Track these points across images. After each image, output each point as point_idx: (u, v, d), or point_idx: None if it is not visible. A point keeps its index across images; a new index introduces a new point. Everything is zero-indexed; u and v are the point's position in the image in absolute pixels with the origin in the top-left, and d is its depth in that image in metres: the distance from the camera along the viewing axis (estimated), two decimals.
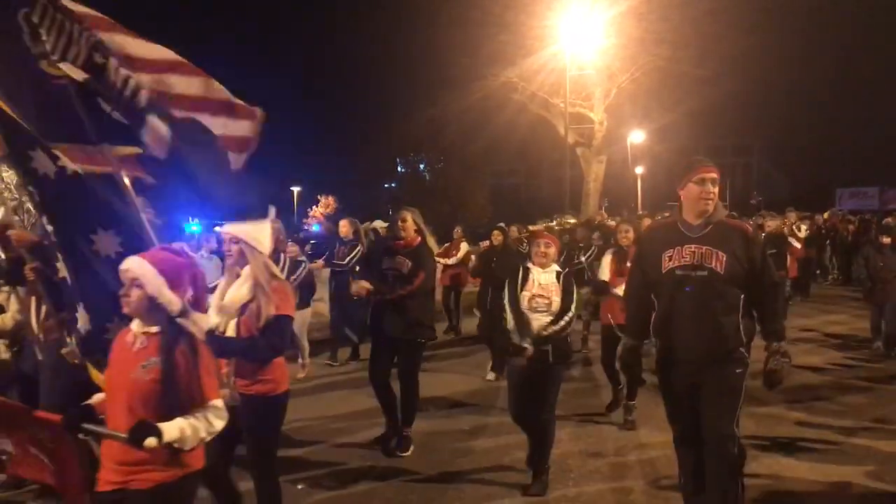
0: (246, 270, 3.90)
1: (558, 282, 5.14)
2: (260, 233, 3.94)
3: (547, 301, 5.09)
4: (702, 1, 21.35)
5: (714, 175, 3.86)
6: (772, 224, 11.30)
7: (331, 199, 67.37)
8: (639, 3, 21.87)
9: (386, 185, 59.92)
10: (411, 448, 5.99)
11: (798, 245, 11.92)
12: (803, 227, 13.14)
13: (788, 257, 11.21)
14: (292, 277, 7.44)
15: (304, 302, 8.36)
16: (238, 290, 3.86)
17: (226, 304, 3.85)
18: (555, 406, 5.24)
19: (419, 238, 6.10)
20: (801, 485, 5.21)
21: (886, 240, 9.65)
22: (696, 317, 3.80)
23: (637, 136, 36.01)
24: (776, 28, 23.20)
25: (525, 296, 5.12)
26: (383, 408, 6.16)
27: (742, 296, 3.82)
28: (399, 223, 6.10)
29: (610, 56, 24.05)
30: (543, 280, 5.14)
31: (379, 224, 13.01)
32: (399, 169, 59.88)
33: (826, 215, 16.76)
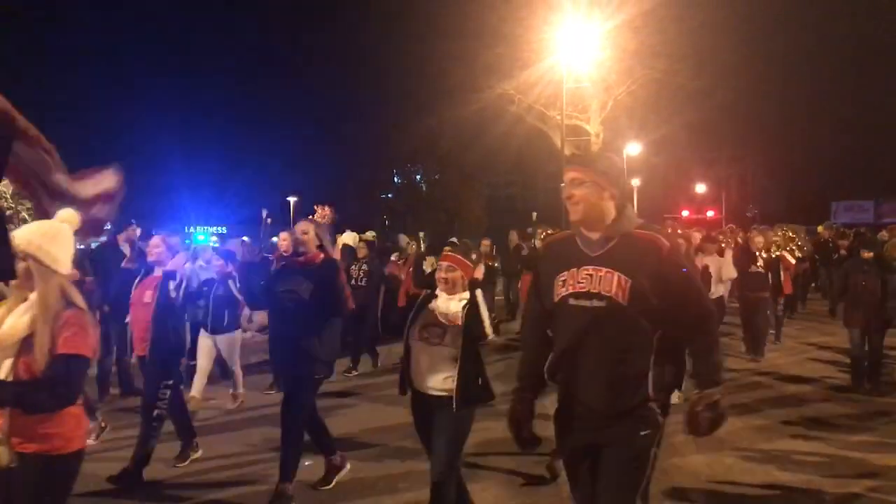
0: (33, 295, 2.98)
1: (463, 313, 4.15)
2: (57, 245, 3.02)
3: (441, 331, 4.15)
4: (697, 14, 21.49)
5: (574, 175, 3.01)
6: (760, 240, 10.47)
7: (327, 210, 67.30)
8: (634, 16, 21.99)
9: (382, 196, 60.02)
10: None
11: (792, 259, 11.53)
12: (795, 250, 12.37)
13: (783, 273, 10.92)
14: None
15: (231, 324, 7.84)
16: (18, 320, 2.95)
17: (1, 336, 2.93)
18: (455, 461, 4.17)
19: (322, 254, 5.33)
20: (796, 497, 5.20)
21: (868, 254, 8.57)
22: (594, 360, 2.91)
23: (633, 149, 36.00)
24: (771, 41, 23.35)
25: (417, 325, 4.26)
26: (312, 441, 5.50)
27: (656, 333, 2.92)
28: (300, 236, 5.29)
29: (606, 69, 24.16)
30: (445, 308, 4.22)
31: (350, 238, 11.20)
32: (396, 180, 60.00)
33: (820, 228, 16.53)
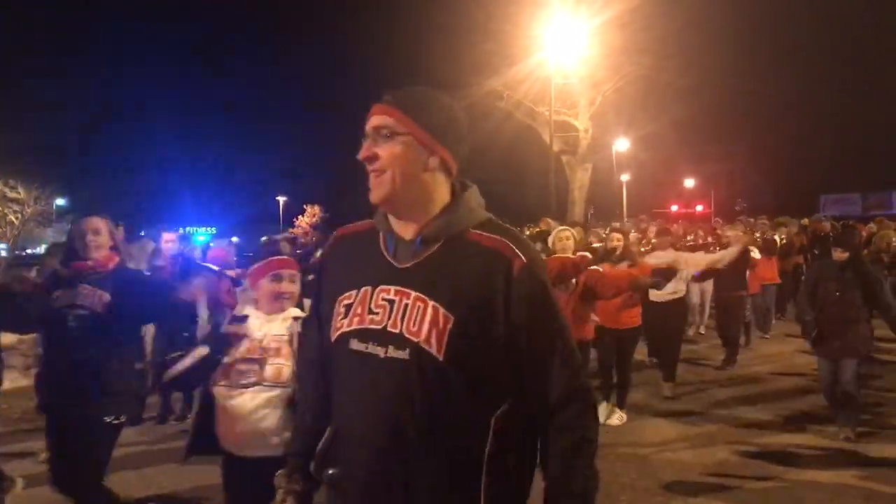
0: None
1: (291, 338, 3.06)
2: None
3: (256, 367, 3.01)
4: (684, 12, 21.54)
5: (381, 119, 1.79)
6: (730, 234, 9.65)
7: (317, 209, 67.29)
8: (622, 13, 22.02)
9: None
10: None
11: (759, 257, 10.09)
12: (777, 238, 11.71)
13: (748, 272, 9.74)
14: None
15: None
16: None
17: None
18: None
19: (117, 257, 4.14)
20: (790, 490, 5.21)
21: (842, 254, 6.33)
22: (386, 452, 1.76)
23: (622, 144, 36.15)
24: (758, 37, 23.44)
25: (226, 361, 3.07)
26: None
27: (500, 408, 1.75)
28: (89, 235, 4.03)
29: (594, 65, 24.20)
30: (267, 330, 3.10)
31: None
32: None
33: (806, 221, 16.17)
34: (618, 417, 6.86)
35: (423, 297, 1.74)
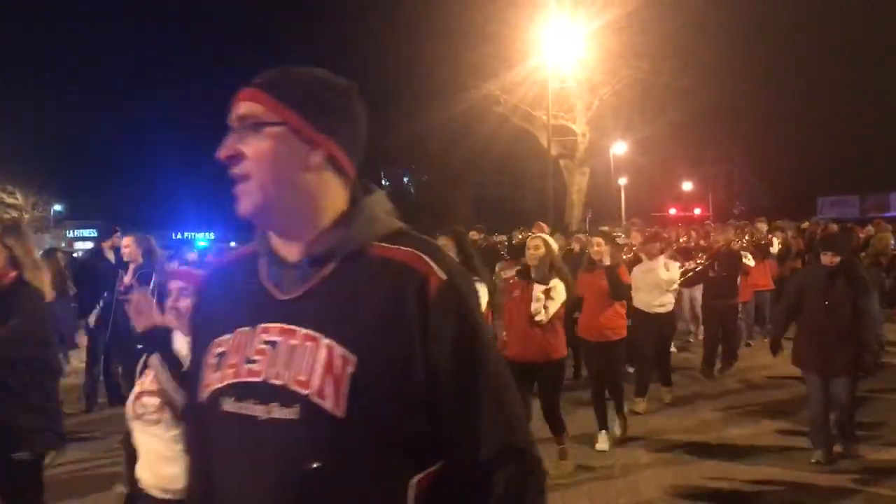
0: None
1: None
2: None
3: (155, 402, 2.62)
4: (680, 15, 21.60)
5: (247, 107, 1.37)
6: (720, 239, 9.36)
7: None
8: (618, 17, 22.09)
9: None
10: None
11: (752, 263, 9.62)
12: (776, 241, 11.54)
13: (740, 279, 9.36)
14: None
15: None
16: None
17: None
18: None
19: (14, 272, 3.60)
20: (788, 492, 5.21)
21: (832, 258, 5.58)
22: None
23: (620, 148, 36.17)
24: (754, 40, 23.49)
25: (135, 391, 2.74)
26: None
27: (423, 469, 1.33)
28: None
29: (591, 69, 24.24)
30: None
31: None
32: (383, 182, 59.94)
33: (806, 225, 16.05)
34: (618, 426, 6.62)
35: (313, 334, 1.29)
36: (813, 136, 43.85)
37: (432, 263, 1.33)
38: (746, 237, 10.36)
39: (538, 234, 6.19)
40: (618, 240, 9.37)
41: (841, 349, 5.49)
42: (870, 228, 14.26)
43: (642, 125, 27.51)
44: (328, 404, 1.26)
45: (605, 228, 12.73)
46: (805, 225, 15.76)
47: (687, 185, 55.62)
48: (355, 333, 1.29)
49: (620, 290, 6.35)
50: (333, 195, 1.40)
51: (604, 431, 6.43)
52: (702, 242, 11.11)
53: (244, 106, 1.37)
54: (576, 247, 9.36)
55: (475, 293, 1.39)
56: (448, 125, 27.28)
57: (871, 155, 43.97)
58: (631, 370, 7.98)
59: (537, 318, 5.43)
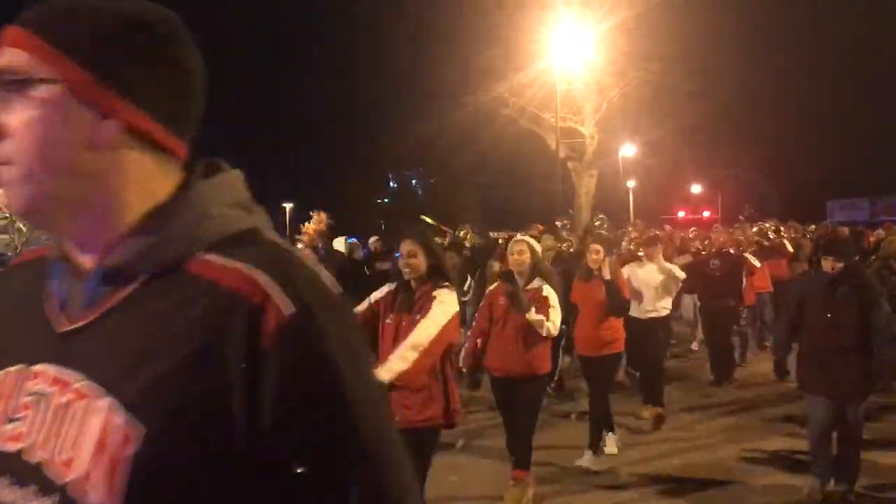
0: None
1: None
2: None
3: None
4: (689, 17, 21.54)
5: (2, 60, 0.90)
6: (721, 238, 9.22)
7: (323, 215, 67.52)
8: (627, 19, 22.04)
9: (378, 201, 60.11)
10: None
11: (757, 263, 9.36)
12: (787, 241, 11.14)
13: (745, 280, 9.15)
14: None
15: None
16: None
17: None
18: None
19: None
20: (795, 496, 5.17)
21: (834, 264, 4.98)
22: None
23: (628, 150, 36.15)
24: (764, 43, 23.41)
25: None
26: None
27: None
28: None
29: (599, 71, 24.18)
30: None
31: (339, 244, 10.17)
32: (392, 185, 60.07)
33: (813, 228, 15.90)
34: (613, 440, 6.38)
35: (89, 388, 0.86)
36: (823, 138, 43.71)
37: (273, 290, 0.86)
38: (755, 229, 10.22)
39: (521, 238, 5.68)
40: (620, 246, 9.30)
41: (846, 369, 4.87)
42: (880, 232, 14.19)
43: (651, 127, 27.45)
44: (94, 498, 0.82)
45: (602, 229, 12.39)
46: (812, 228, 15.68)
47: (696, 188, 55.51)
48: (149, 391, 0.84)
49: (621, 306, 6.12)
50: (143, 183, 0.94)
51: (611, 434, 6.37)
52: (706, 243, 11.12)
53: (4, 54, 0.90)
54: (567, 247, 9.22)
55: (351, 327, 0.95)
56: (456, 127, 27.26)
57: (881, 157, 43.80)
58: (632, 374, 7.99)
59: (544, 333, 5.01)
